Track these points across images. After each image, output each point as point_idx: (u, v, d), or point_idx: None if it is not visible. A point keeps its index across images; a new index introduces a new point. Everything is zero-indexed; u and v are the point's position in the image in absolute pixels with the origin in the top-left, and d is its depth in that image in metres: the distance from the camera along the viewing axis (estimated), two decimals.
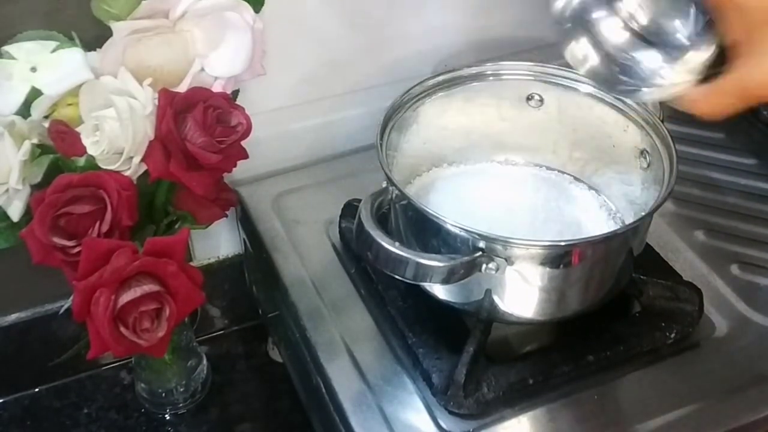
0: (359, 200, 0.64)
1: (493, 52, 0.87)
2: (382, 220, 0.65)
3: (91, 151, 0.64)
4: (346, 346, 0.70)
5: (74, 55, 0.66)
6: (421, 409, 0.66)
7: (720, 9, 0.52)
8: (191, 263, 0.86)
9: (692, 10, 0.56)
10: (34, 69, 0.65)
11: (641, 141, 0.71)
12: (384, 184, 0.66)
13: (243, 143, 0.68)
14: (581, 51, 0.60)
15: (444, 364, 0.67)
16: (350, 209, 0.78)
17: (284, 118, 0.86)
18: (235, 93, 0.72)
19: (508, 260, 0.61)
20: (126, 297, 0.60)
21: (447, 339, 0.69)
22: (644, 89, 0.60)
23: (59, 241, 0.62)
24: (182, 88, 0.67)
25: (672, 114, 0.95)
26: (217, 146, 0.65)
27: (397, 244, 0.60)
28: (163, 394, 0.85)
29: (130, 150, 0.65)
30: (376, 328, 0.72)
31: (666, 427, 0.65)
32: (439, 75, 0.74)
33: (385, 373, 0.68)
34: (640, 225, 0.67)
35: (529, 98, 0.76)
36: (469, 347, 0.66)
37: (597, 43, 0.59)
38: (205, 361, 0.87)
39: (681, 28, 0.57)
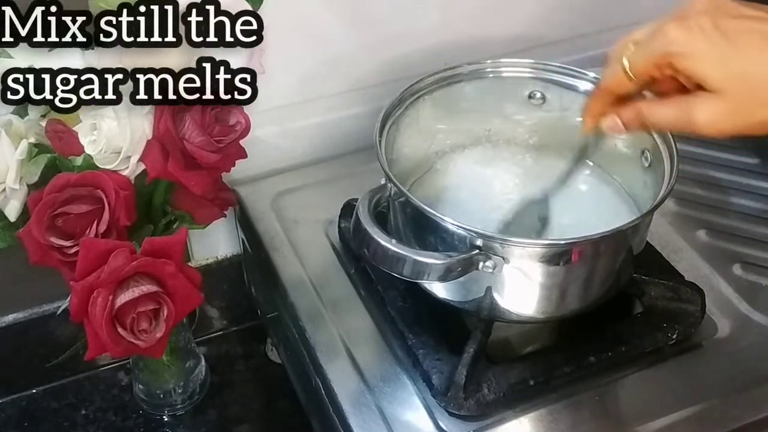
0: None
1: (493, 51, 0.86)
2: (381, 217, 0.65)
3: (88, 150, 0.64)
4: (346, 347, 0.70)
5: (73, 54, 0.66)
6: (420, 410, 0.66)
7: None
8: (189, 263, 0.86)
9: None
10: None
11: (642, 140, 0.71)
12: (383, 181, 0.66)
13: (242, 142, 0.68)
14: None
15: (444, 364, 0.66)
16: (349, 209, 0.78)
17: (284, 117, 0.86)
18: None
19: (506, 259, 0.61)
20: (124, 297, 0.60)
21: (447, 339, 0.69)
22: None
23: (56, 241, 0.62)
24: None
25: None
26: (216, 145, 0.65)
27: (394, 241, 0.60)
28: (161, 395, 0.85)
29: (128, 149, 0.64)
30: (375, 328, 0.72)
31: (668, 428, 0.65)
32: (438, 73, 0.74)
33: (385, 373, 0.68)
34: (640, 223, 0.66)
35: (530, 96, 0.76)
36: (469, 348, 0.66)
37: None
38: (203, 362, 0.87)
39: None
